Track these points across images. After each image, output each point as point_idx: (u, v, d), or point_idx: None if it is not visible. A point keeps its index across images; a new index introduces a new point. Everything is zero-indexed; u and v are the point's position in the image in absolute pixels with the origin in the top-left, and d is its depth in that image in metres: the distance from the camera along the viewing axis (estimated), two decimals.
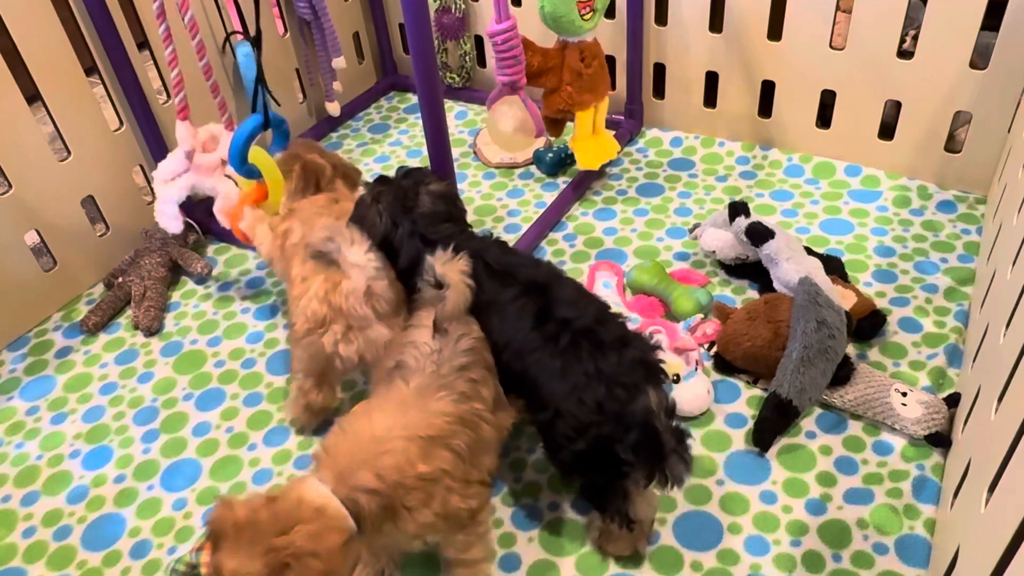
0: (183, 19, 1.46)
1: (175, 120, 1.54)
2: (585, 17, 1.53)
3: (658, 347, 1.10)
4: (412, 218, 1.19)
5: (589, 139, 1.69)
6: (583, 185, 1.75)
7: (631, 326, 1.11)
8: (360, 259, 1.11)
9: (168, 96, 1.70)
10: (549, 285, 1.11)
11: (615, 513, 1.03)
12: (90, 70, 1.56)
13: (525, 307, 1.09)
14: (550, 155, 1.81)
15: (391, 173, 1.28)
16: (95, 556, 1.17)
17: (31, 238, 1.54)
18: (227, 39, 1.74)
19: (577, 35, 1.56)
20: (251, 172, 1.40)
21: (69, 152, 1.56)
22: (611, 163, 1.80)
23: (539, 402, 1.05)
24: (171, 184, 1.54)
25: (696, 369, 1.27)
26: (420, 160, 1.92)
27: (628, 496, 1.01)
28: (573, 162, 1.82)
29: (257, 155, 1.39)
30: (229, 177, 1.55)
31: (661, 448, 0.97)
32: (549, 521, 1.14)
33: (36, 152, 1.50)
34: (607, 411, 0.98)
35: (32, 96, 1.47)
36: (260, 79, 1.40)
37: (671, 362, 1.24)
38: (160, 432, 1.34)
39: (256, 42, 1.41)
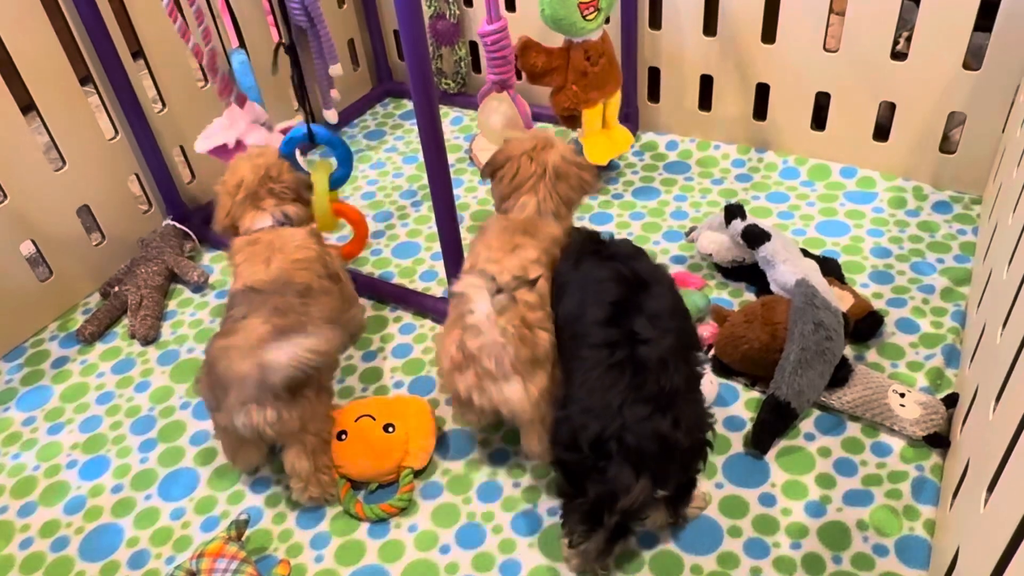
0: (178, 29, 1.46)
1: (219, 106, 1.56)
2: (588, 17, 1.53)
3: (706, 425, 1.01)
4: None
5: (598, 135, 1.70)
6: None
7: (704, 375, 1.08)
8: (480, 319, 1.08)
9: (163, 105, 1.70)
10: (646, 285, 1.06)
11: (566, 524, 1.02)
12: (85, 79, 1.56)
13: (607, 291, 1.05)
14: None
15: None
16: (93, 567, 1.16)
17: (27, 248, 1.54)
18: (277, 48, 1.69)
19: (580, 35, 1.56)
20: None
21: (64, 162, 1.56)
22: (607, 167, 1.81)
23: (564, 393, 1.04)
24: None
25: None
26: (416, 166, 1.92)
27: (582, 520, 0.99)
28: None
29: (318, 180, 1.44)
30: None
31: (601, 521, 0.95)
32: (549, 526, 1.14)
33: (31, 162, 1.50)
34: (599, 452, 0.94)
35: (27, 106, 1.47)
36: (301, 92, 1.46)
37: None
38: (157, 441, 1.33)
39: (291, 54, 1.51)
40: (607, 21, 1.78)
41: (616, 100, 1.70)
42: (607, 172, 1.81)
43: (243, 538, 1.13)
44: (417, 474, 1.21)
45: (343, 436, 1.21)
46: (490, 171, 1.31)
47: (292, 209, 1.33)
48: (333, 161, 1.51)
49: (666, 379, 0.96)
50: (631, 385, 0.95)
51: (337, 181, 1.50)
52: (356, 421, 1.22)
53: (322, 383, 1.19)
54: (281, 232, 1.29)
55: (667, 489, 0.97)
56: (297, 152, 1.52)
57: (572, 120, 1.70)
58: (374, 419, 1.21)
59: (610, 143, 1.72)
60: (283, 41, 1.71)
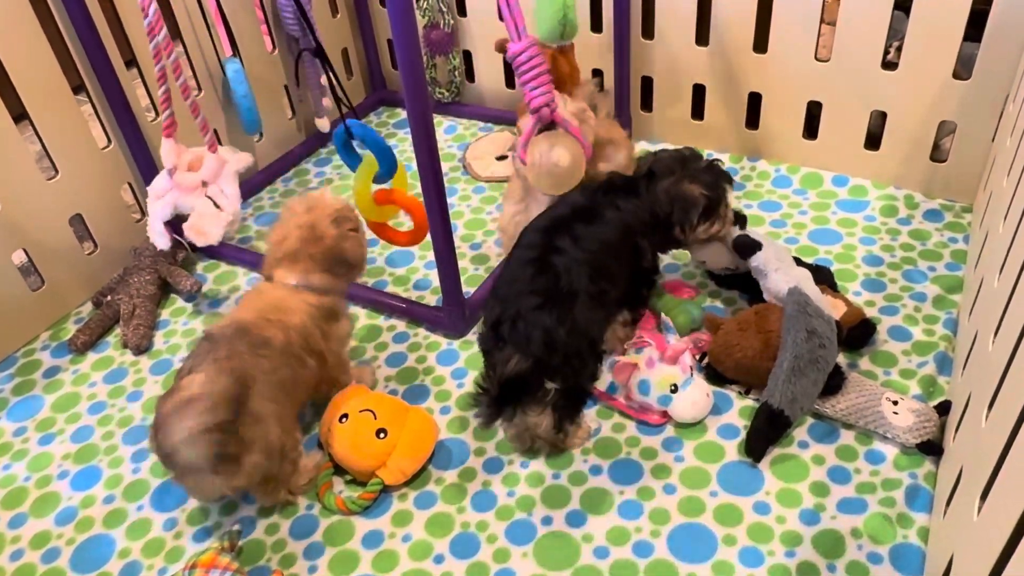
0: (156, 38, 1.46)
1: (162, 138, 1.52)
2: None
3: (597, 336, 1.19)
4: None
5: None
6: None
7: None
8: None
9: (157, 113, 1.70)
10: (593, 218, 1.22)
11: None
12: (78, 88, 1.56)
13: (562, 208, 1.25)
14: None
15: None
16: None
17: (18, 257, 1.53)
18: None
19: (573, 36, 1.55)
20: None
21: (57, 170, 1.55)
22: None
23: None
24: (159, 201, 1.53)
25: (692, 375, 1.27)
26: (410, 175, 1.92)
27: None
28: None
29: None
30: (209, 198, 1.52)
31: (487, 389, 1.14)
32: (543, 535, 1.14)
33: (24, 171, 1.49)
34: (498, 334, 1.12)
35: (19, 115, 1.47)
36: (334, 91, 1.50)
37: (667, 373, 1.25)
38: (150, 452, 1.32)
39: (320, 54, 1.54)
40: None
41: None
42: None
43: (236, 549, 1.13)
44: (389, 488, 1.21)
45: (344, 420, 1.22)
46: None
47: (316, 279, 1.25)
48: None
49: (565, 283, 1.13)
50: (532, 281, 1.13)
51: (381, 177, 1.45)
52: (360, 412, 1.22)
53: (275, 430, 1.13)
54: (293, 291, 1.24)
55: (556, 382, 1.13)
56: (354, 144, 1.49)
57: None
58: (375, 417, 1.21)
59: None
60: (304, 48, 1.72)
